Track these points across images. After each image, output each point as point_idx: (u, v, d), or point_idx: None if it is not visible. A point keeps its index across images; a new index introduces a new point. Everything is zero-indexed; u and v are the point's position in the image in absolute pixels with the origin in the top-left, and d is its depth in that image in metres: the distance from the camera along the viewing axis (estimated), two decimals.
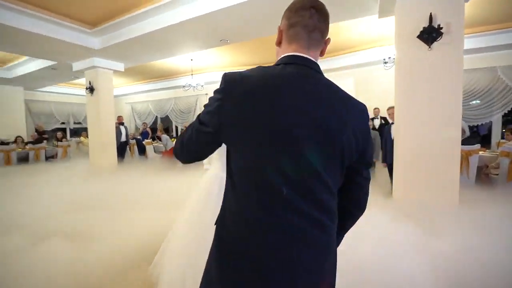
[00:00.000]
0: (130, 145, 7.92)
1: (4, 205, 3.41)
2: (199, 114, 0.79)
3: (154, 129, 11.56)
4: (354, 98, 0.77)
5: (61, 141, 7.97)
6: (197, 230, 1.62)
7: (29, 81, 8.41)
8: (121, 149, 7.03)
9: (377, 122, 6.29)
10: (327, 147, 0.69)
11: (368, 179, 0.84)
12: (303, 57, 0.75)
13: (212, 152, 0.85)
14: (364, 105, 0.79)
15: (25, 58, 6.94)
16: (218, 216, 0.79)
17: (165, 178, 4.98)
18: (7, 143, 7.25)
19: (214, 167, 1.78)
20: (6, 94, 8.94)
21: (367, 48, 6.35)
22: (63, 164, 6.64)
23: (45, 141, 7.60)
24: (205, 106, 0.77)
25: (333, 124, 0.69)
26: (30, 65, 7.12)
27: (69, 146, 7.97)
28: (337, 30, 5.28)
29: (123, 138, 7.25)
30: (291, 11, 0.77)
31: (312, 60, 0.76)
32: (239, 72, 0.74)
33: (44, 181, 4.74)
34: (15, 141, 7.41)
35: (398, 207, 2.91)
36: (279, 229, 0.67)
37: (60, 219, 3.07)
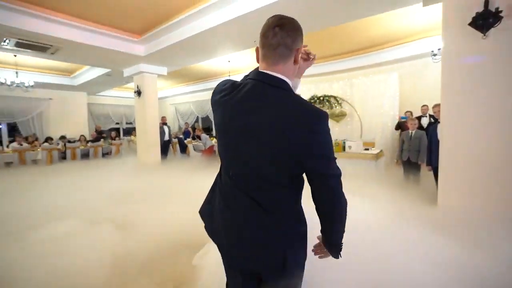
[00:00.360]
0: (173, 143, 8.48)
1: (64, 194, 3.95)
2: None
3: (195, 129, 12.20)
4: (297, 106, 0.87)
5: (114, 139, 8.90)
6: None
7: (90, 87, 9.56)
8: (164, 147, 7.56)
9: (425, 121, 5.72)
10: (259, 147, 0.88)
11: (327, 174, 0.88)
12: (265, 74, 0.91)
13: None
14: (303, 109, 0.86)
15: (86, 67, 7.90)
16: None
17: (204, 175, 5.23)
18: (74, 141, 8.35)
19: None
20: (73, 99, 10.31)
21: (412, 40, 5.82)
22: (115, 160, 7.41)
23: (102, 140, 8.56)
24: None
25: (264, 129, 0.86)
26: (90, 73, 8.09)
27: (121, 144, 8.86)
28: (377, 23, 4.96)
29: (166, 137, 7.80)
30: (260, 35, 0.93)
31: (271, 75, 0.90)
32: (220, 84, 1.03)
33: (99, 174, 5.36)
34: (79, 140, 8.50)
35: (443, 216, 2.62)
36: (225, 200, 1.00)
37: (109, 208, 3.45)
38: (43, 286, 1.93)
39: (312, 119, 0.85)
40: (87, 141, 8.40)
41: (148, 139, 6.88)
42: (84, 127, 10.73)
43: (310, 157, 0.86)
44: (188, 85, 11.55)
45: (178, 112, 13.56)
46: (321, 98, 7.80)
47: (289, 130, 0.84)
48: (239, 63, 8.06)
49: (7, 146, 7.14)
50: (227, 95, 0.94)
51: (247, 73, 1.02)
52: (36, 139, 7.99)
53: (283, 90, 0.89)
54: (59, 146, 7.61)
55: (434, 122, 5.20)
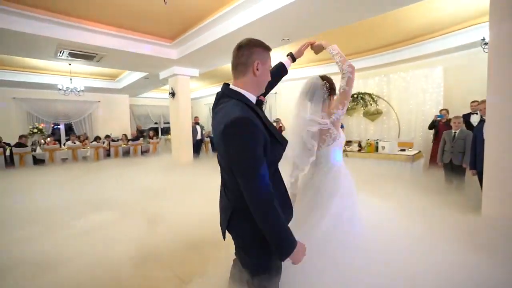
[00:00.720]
0: (205, 142, 8.78)
1: (104, 188, 4.34)
2: None
3: None
4: (226, 114, 1.02)
5: (152, 138, 9.51)
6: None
7: (132, 89, 10.36)
8: (197, 146, 7.87)
9: (475, 119, 5.10)
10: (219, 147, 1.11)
11: (237, 177, 1.01)
12: (227, 87, 1.17)
13: None
14: (226, 119, 0.99)
15: (127, 72, 8.57)
16: None
17: None
18: (117, 140, 9.13)
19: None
20: (117, 101, 11.29)
21: (460, 28, 5.22)
22: (152, 158, 7.93)
23: (141, 139, 9.22)
24: None
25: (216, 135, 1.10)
26: (131, 77, 8.75)
27: (158, 142, 9.44)
28: (419, 11, 4.56)
29: (199, 136, 8.11)
30: None
31: (229, 88, 1.15)
32: None
33: (136, 171, 5.78)
34: (121, 139, 9.27)
35: (487, 229, 2.31)
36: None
37: (141, 202, 3.71)
38: (79, 272, 2.14)
39: (224, 126, 0.98)
40: (128, 140, 9.11)
41: (181, 138, 7.22)
42: (127, 126, 11.68)
43: (224, 158, 1.10)
44: (221, 85, 11.84)
45: (211, 111, 14.00)
46: (355, 96, 7.42)
47: (219, 137, 1.05)
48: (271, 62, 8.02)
49: (64, 144, 8.07)
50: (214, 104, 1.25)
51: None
52: (87, 138, 8.90)
53: (233, 99, 1.09)
54: (104, 145, 8.38)
55: (482, 120, 4.64)
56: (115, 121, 11.31)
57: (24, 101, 9.22)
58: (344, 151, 5.35)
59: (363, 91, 7.38)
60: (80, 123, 10.48)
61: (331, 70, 7.88)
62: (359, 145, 5.17)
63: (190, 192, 4.16)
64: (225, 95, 1.14)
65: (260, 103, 1.25)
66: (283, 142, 1.15)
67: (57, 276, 2.06)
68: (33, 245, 2.51)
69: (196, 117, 8.45)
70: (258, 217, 0.98)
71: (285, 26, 4.33)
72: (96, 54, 5.53)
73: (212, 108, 1.23)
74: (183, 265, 2.25)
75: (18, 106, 9.15)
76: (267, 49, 1.18)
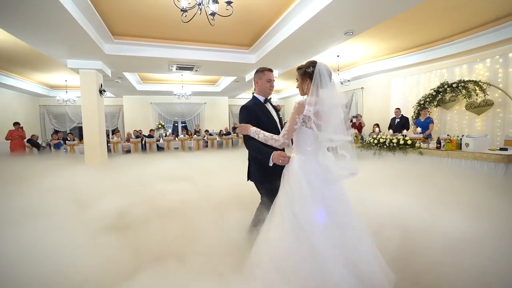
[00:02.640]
0: None
1: (186, 168, 5.59)
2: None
3: None
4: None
5: (238, 135, 10.91)
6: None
7: (228, 91, 12.12)
8: None
9: None
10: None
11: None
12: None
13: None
14: None
15: (222, 77, 10.18)
16: None
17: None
18: (212, 134, 11.03)
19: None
20: (218, 102, 13.44)
21: None
22: (234, 151, 9.13)
23: (230, 134, 10.74)
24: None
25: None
26: (226, 81, 10.34)
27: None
28: None
29: None
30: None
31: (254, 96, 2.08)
32: None
33: (216, 157, 7.02)
34: (219, 134, 11.08)
35: None
36: None
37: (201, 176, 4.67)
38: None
39: None
40: (222, 135, 10.81)
41: None
42: (225, 123, 13.72)
43: None
44: None
45: None
46: (454, 86, 6.19)
47: None
48: (349, 57, 7.75)
49: (177, 137, 10.48)
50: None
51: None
52: (195, 132, 11.14)
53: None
54: (205, 138, 10.32)
55: None
56: (217, 118, 13.54)
57: (157, 105, 12.50)
58: (419, 147, 4.71)
59: (466, 79, 6.06)
60: (191, 121, 13.19)
61: (418, 59, 6.88)
62: (438, 142, 4.45)
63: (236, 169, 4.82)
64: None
65: (265, 101, 2.06)
66: (264, 125, 1.90)
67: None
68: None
69: None
70: (252, 153, 1.89)
71: (345, 18, 4.27)
72: (194, 65, 7.05)
73: None
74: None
75: (153, 108, 12.50)
76: (261, 70, 2.01)
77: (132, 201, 3.33)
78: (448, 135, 4.63)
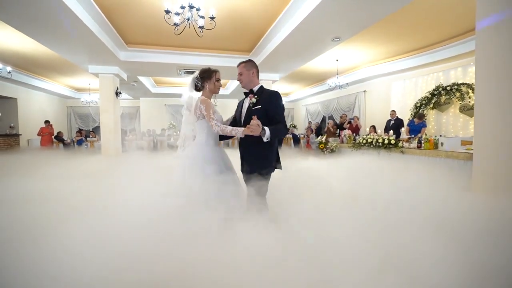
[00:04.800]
0: (287, 138, 9.77)
1: None
2: None
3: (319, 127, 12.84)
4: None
5: None
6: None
7: (237, 94, 12.71)
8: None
9: None
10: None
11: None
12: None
13: None
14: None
15: (230, 80, 10.77)
16: None
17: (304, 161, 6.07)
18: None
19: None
20: (228, 104, 14.01)
21: None
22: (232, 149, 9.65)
23: None
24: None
25: None
26: (233, 84, 10.93)
27: None
28: None
29: None
30: (257, 67, 2.23)
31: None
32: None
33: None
34: None
35: None
36: None
37: None
38: None
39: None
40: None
41: None
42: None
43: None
44: (313, 86, 12.41)
45: (308, 112, 14.69)
46: (448, 89, 6.31)
47: None
48: (349, 61, 8.04)
49: None
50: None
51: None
52: None
53: None
54: None
55: None
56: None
57: (170, 106, 13.33)
58: (401, 147, 4.95)
59: (460, 81, 6.18)
60: None
61: (416, 62, 7.04)
62: (419, 142, 4.69)
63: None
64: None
65: (247, 94, 2.21)
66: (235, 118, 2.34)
67: None
68: None
69: None
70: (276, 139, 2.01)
71: (330, 25, 4.62)
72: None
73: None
74: None
75: (167, 110, 13.35)
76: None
77: None
78: (425, 134, 4.83)
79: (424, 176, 3.56)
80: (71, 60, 6.47)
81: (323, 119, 13.25)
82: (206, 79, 2.17)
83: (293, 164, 5.49)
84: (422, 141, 4.61)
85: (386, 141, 5.22)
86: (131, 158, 6.48)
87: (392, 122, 6.95)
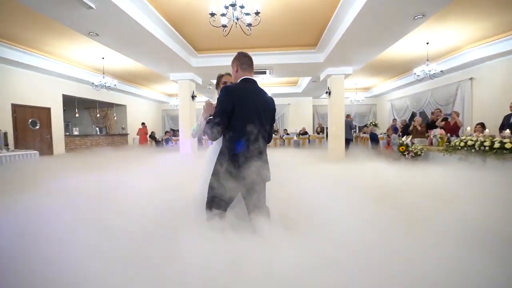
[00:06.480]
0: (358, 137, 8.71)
1: None
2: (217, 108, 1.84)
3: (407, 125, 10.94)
4: (266, 92, 1.93)
5: (318, 134, 10.77)
6: None
7: (310, 92, 12.17)
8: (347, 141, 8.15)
9: None
10: (268, 115, 1.88)
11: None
12: (251, 79, 1.87)
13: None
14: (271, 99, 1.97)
15: (301, 77, 10.37)
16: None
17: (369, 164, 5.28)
18: (288, 134, 11.36)
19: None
20: (302, 102, 13.67)
21: None
22: (310, 150, 9.13)
23: (306, 134, 10.78)
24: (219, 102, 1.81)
25: (266, 106, 1.87)
26: (304, 82, 10.49)
27: (323, 137, 10.53)
28: None
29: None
30: (239, 59, 1.88)
31: (254, 79, 1.88)
32: (232, 85, 1.87)
33: (282, 155, 7.34)
34: (298, 133, 11.35)
35: None
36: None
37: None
38: None
39: (274, 102, 2.02)
40: (299, 134, 11.00)
41: (334, 133, 7.80)
42: (309, 123, 13.75)
43: (273, 120, 2.07)
44: (399, 78, 10.68)
45: (393, 108, 12.77)
46: None
47: (272, 106, 1.95)
48: (443, 43, 6.51)
49: None
50: (246, 90, 1.84)
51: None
52: (276, 131, 11.78)
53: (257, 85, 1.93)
54: (283, 137, 10.82)
55: None
56: (301, 119, 13.76)
57: None
58: None
59: None
60: (278, 121, 13.92)
61: None
62: None
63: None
64: (257, 84, 1.91)
65: None
66: None
67: None
68: None
69: (348, 115, 8.64)
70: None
71: None
72: (266, 69, 7.65)
73: (253, 92, 1.83)
74: None
75: None
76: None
77: None
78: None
79: None
80: (157, 71, 7.51)
81: (412, 116, 11.23)
82: (217, 83, 2.30)
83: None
84: None
85: (497, 144, 3.90)
86: (200, 155, 7.09)
87: None
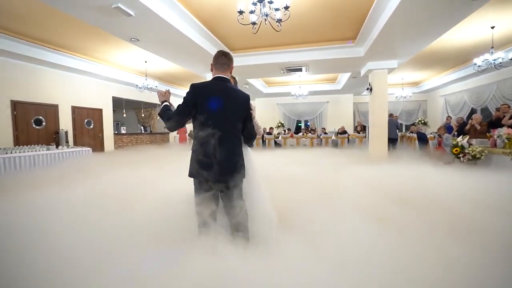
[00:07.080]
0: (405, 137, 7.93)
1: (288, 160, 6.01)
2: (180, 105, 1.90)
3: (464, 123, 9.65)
4: (239, 90, 1.91)
5: (359, 133, 10.08)
6: None
7: (351, 89, 11.48)
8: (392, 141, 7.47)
9: None
10: (235, 113, 1.82)
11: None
12: (222, 77, 1.86)
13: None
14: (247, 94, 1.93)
15: (340, 74, 9.81)
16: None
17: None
18: (326, 133, 10.84)
19: None
20: (342, 100, 13.00)
21: None
22: (350, 150, 8.56)
23: (346, 133, 10.18)
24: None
25: (236, 103, 1.83)
26: (343, 78, 9.92)
27: (364, 137, 9.84)
28: None
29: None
30: (215, 58, 1.89)
31: (225, 77, 1.86)
32: (198, 83, 1.86)
33: (321, 156, 7.03)
34: (336, 133, 10.80)
35: None
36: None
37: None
38: None
39: (247, 99, 1.93)
40: (337, 133, 10.43)
41: (377, 132, 7.22)
42: (350, 122, 13.01)
43: (247, 118, 2.00)
44: (454, 70, 9.46)
45: (448, 104, 11.41)
46: None
47: (243, 102, 1.89)
48: (509, 26, 5.54)
49: (295, 134, 11.15)
50: (213, 89, 1.84)
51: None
52: (311, 131, 11.40)
53: (231, 84, 1.90)
54: (321, 136, 10.39)
55: None
56: (340, 117, 13.10)
57: (282, 105, 13.74)
58: None
59: None
60: (314, 119, 13.50)
61: None
62: None
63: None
64: (228, 82, 1.88)
65: None
66: None
67: None
68: None
69: (391, 114, 7.89)
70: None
71: None
72: (302, 66, 7.38)
73: (219, 90, 1.81)
74: None
75: (279, 108, 13.83)
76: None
77: None
78: None
79: None
80: (194, 71, 7.77)
81: (472, 113, 9.86)
82: None
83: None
84: None
85: None
86: None
87: None
